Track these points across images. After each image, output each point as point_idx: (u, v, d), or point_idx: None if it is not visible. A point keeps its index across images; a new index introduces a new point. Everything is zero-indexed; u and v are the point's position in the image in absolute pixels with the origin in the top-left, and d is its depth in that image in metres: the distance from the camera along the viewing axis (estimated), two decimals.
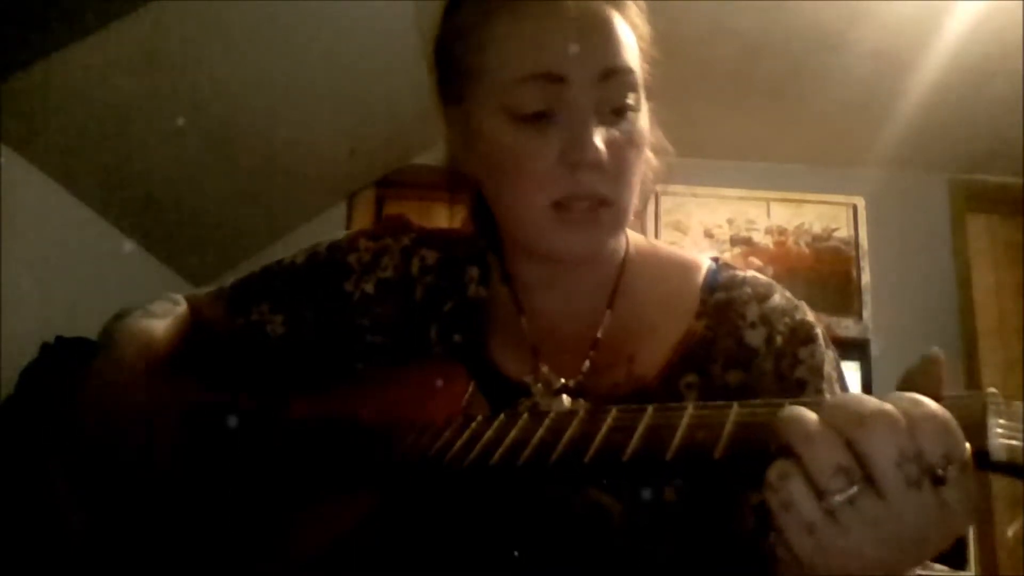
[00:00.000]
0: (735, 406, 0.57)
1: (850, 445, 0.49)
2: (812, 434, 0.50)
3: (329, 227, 2.91)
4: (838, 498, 0.49)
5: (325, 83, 2.54)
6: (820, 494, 0.50)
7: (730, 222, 3.35)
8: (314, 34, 2.32)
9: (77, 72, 1.95)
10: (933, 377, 0.54)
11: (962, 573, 2.38)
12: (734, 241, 3.33)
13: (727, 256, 3.18)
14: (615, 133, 0.78)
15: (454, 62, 0.83)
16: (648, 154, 0.82)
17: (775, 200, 3.37)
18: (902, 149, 3.20)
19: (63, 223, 2.24)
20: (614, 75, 0.78)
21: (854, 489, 0.49)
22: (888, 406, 0.50)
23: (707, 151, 3.08)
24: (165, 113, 2.24)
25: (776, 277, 0.89)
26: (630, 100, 0.79)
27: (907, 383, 0.54)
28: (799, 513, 0.50)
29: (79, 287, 2.21)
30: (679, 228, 3.31)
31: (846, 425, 0.50)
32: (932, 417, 0.49)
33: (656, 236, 3.06)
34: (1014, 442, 0.48)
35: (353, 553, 0.65)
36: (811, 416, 0.51)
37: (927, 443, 0.49)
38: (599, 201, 0.77)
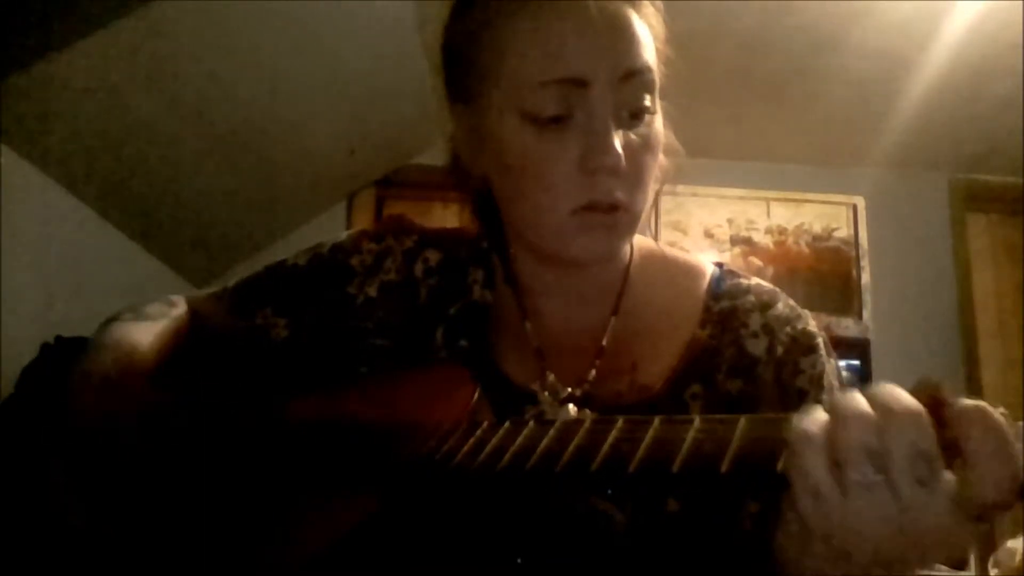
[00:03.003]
0: (742, 420, 0.57)
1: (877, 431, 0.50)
2: (848, 409, 0.51)
3: (329, 227, 2.92)
4: (854, 475, 0.50)
5: (325, 83, 2.53)
6: (838, 465, 0.50)
7: (730, 222, 3.35)
8: (314, 34, 2.31)
9: (77, 72, 1.95)
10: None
11: (962, 573, 2.38)
12: (734, 241, 3.33)
13: (727, 256, 3.19)
14: (632, 137, 0.77)
15: (466, 60, 0.82)
16: (660, 157, 0.81)
17: (775, 200, 3.37)
18: (902, 149, 3.20)
19: (63, 223, 2.24)
20: (634, 76, 0.77)
21: (870, 471, 0.49)
22: (913, 401, 0.50)
23: (707, 151, 3.08)
24: (165, 113, 2.24)
25: (776, 277, 0.89)
26: (647, 102, 0.78)
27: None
28: (811, 476, 0.51)
29: (79, 287, 2.20)
30: (679, 228, 3.31)
31: (878, 410, 0.50)
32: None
33: (656, 236, 3.05)
34: None
35: (355, 556, 0.65)
36: (857, 397, 0.52)
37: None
38: (615, 206, 0.77)
